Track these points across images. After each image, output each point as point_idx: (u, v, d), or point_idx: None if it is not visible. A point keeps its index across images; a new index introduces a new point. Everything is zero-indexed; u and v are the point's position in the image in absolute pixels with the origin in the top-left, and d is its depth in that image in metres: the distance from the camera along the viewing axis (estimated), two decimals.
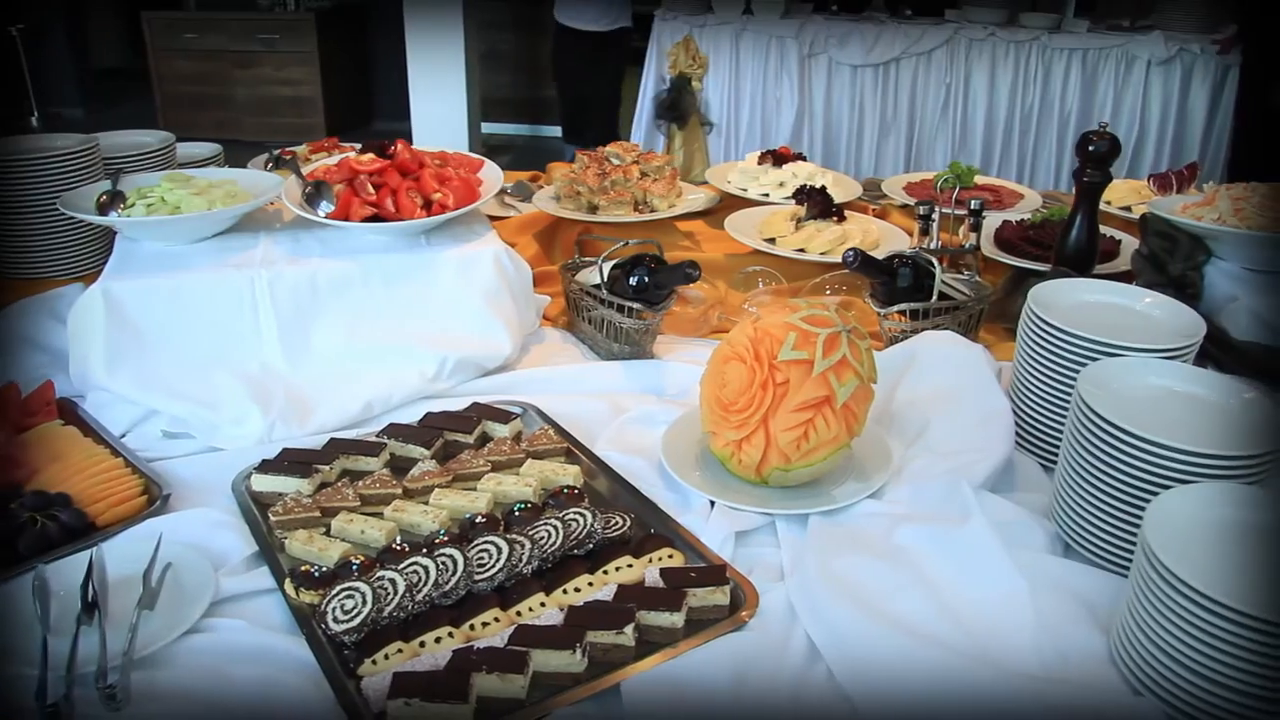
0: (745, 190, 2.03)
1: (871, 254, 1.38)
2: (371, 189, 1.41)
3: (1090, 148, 1.50)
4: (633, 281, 1.38)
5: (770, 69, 4.51)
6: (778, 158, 2.04)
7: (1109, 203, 2.04)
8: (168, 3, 6.16)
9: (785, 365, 1.05)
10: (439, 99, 5.17)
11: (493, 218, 1.95)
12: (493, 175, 1.53)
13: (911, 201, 2.00)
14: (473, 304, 1.37)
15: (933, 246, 1.65)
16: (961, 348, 1.25)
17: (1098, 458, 0.96)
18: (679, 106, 4.86)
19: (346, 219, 1.38)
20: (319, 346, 1.34)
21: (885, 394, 1.25)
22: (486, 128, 5.81)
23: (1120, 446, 0.94)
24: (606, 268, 1.42)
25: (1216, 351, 1.31)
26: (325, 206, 1.42)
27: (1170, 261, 1.39)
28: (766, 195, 1.99)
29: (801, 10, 4.67)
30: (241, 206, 1.42)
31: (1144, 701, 0.82)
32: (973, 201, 1.63)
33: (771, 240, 1.71)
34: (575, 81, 5.01)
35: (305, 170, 1.51)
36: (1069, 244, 1.57)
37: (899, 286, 1.36)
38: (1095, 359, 1.09)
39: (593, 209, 1.82)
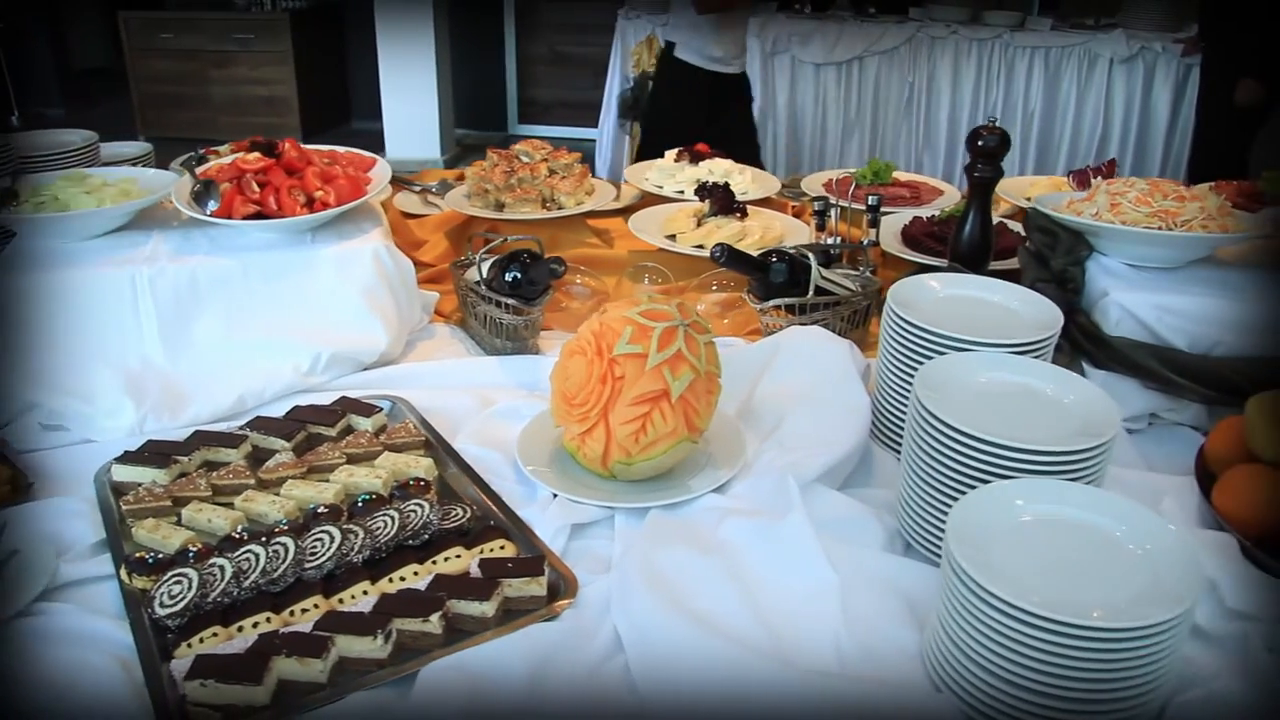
0: (661, 187, 2.04)
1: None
2: (256, 187, 1.43)
3: (979, 143, 1.52)
4: (508, 277, 1.40)
5: None
6: (694, 155, 2.06)
7: (1029, 199, 2.05)
8: (151, 2, 6.18)
9: (622, 359, 1.07)
10: (410, 101, 5.21)
11: (411, 215, 1.98)
12: (381, 174, 1.55)
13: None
14: (350, 300, 1.39)
15: (831, 241, 1.67)
16: (826, 343, 1.27)
17: (928, 453, 0.98)
18: (641, 104, 4.90)
19: (229, 216, 1.40)
20: (199, 342, 1.36)
21: (747, 388, 1.27)
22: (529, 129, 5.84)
23: (945, 441, 0.95)
24: (485, 264, 1.44)
25: (1090, 346, 1.32)
26: (211, 204, 1.44)
27: (1052, 257, 1.40)
28: (682, 192, 2.01)
29: (765, 8, 4.69)
30: (130, 205, 1.44)
31: (943, 699, 0.82)
32: (870, 198, 1.65)
33: (672, 237, 1.73)
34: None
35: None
36: (963, 240, 1.58)
37: (775, 282, 1.38)
38: (943, 353, 1.11)
39: (500, 206, 1.84)
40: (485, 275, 1.43)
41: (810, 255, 1.38)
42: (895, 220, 1.83)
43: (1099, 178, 2.10)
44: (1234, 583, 0.92)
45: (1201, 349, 1.29)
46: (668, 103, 3.19)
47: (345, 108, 6.34)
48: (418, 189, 2.12)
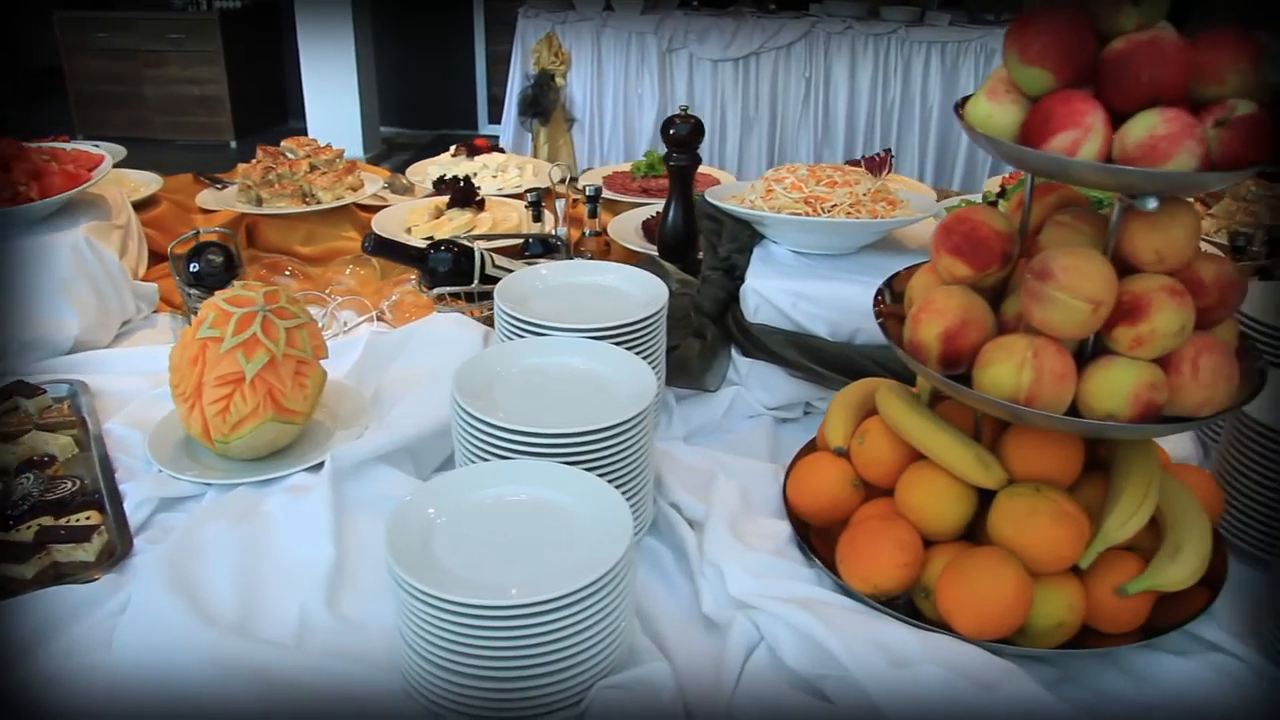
0: None
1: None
2: None
3: (671, 131, 1.59)
4: (192, 269, 1.48)
5: (631, 65, 4.59)
6: (472, 149, 2.13)
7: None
8: (97, 2, 6.27)
9: (204, 342, 1.14)
10: (332, 101, 5.30)
11: (209, 211, 2.05)
12: (103, 170, 1.63)
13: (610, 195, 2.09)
14: (45, 290, 1.47)
15: (554, 231, 1.73)
16: (458, 328, 1.33)
17: (463, 437, 1.03)
18: (541, 103, 4.95)
19: None
20: None
21: (377, 374, 1.34)
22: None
23: (470, 425, 1.00)
24: (180, 258, 1.51)
25: (738, 334, 1.37)
26: None
27: (720, 244, 1.45)
28: None
29: (665, 5, 4.75)
30: None
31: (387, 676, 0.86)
32: (588, 188, 1.72)
33: (409, 231, 1.80)
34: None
35: None
36: (666, 230, 1.65)
37: (439, 271, 1.45)
38: (528, 336, 1.17)
39: (259, 201, 1.92)
40: (176, 267, 1.51)
41: (477, 245, 1.45)
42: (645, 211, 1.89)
43: (881, 165, 2.17)
44: (739, 571, 0.94)
45: (843, 337, 1.31)
46: None
47: (282, 107, 6.43)
48: (220, 186, 2.19)
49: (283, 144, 1.99)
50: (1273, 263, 1.57)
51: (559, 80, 4.47)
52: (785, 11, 4.71)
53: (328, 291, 1.60)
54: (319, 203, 1.93)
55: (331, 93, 5.30)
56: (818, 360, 1.26)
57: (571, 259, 1.62)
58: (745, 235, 1.43)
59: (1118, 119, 0.79)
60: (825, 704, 0.82)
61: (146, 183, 2.07)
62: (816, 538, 1.02)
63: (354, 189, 1.98)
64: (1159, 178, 0.76)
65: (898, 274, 1.04)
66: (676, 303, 1.42)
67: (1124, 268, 0.86)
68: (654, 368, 1.20)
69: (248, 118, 6.07)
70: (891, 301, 1.04)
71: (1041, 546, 0.87)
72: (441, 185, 1.84)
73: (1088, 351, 0.87)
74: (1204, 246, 1.84)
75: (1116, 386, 0.82)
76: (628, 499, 0.99)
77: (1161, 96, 0.77)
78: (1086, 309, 0.80)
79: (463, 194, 1.80)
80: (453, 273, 1.45)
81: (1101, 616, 0.91)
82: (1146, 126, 0.76)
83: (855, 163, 2.20)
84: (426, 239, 1.77)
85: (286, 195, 1.90)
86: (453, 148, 2.18)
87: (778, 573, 0.94)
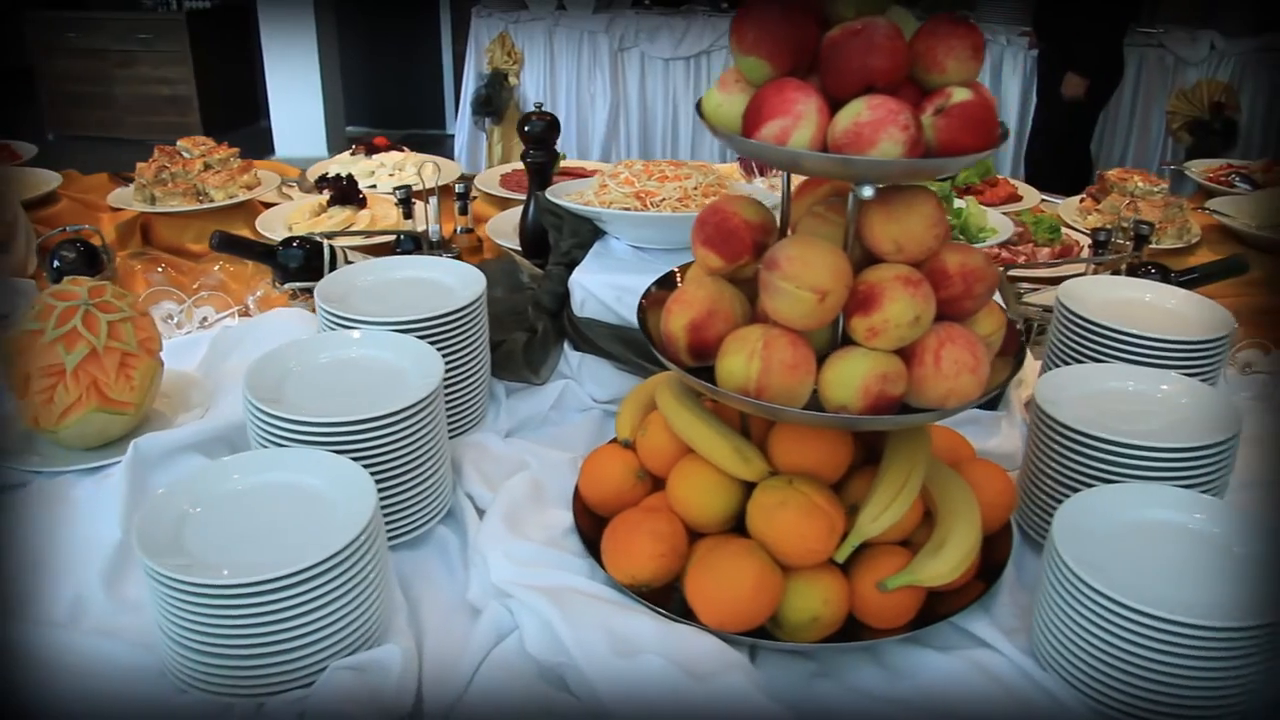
0: None
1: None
2: None
3: (526, 128, 1.59)
4: (53, 264, 1.49)
5: (584, 64, 4.60)
6: (370, 148, 2.14)
7: None
8: (68, 2, 6.29)
9: (30, 334, 1.16)
10: (295, 100, 5.33)
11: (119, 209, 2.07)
12: None
13: (503, 192, 2.10)
14: None
15: (425, 230, 1.74)
16: (296, 322, 1.35)
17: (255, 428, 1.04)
18: (494, 102, 4.96)
19: None
20: None
21: (220, 367, 1.35)
22: None
23: (255, 415, 1.02)
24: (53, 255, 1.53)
25: (569, 328, 1.38)
26: None
27: (561, 239, 1.45)
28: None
29: (618, 4, 4.76)
30: None
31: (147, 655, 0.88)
32: (458, 187, 1.72)
33: (290, 228, 1.81)
34: None
35: None
36: (527, 227, 1.66)
37: (290, 267, 1.46)
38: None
39: (153, 200, 1.93)
40: (42, 262, 1.52)
41: (326, 242, 1.46)
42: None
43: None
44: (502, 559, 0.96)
45: None
46: None
47: (253, 107, 6.44)
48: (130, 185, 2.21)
49: (179, 143, 2.00)
50: (1136, 258, 1.57)
51: (512, 79, 4.49)
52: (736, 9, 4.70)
53: (196, 287, 1.61)
54: (212, 201, 1.94)
55: (294, 92, 5.33)
56: (641, 354, 1.26)
57: (440, 255, 1.62)
58: (587, 231, 1.41)
59: (840, 107, 0.79)
60: (556, 691, 0.83)
61: (49, 181, 2.08)
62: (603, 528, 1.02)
63: (249, 187, 1.99)
64: (865, 165, 0.76)
65: (684, 266, 1.05)
66: (521, 297, 1.42)
67: (870, 259, 0.87)
68: (475, 360, 1.21)
69: (218, 118, 6.09)
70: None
71: (789, 539, 0.87)
72: (324, 183, 1.85)
73: (837, 343, 0.88)
74: (1081, 240, 1.86)
75: (848, 378, 0.82)
76: (414, 487, 1.01)
77: (878, 84, 0.77)
78: (812, 299, 0.81)
79: (343, 191, 1.81)
80: (304, 268, 1.46)
81: (868, 611, 0.91)
82: (852, 114, 0.76)
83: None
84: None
85: (179, 194, 1.92)
86: (353, 146, 2.19)
87: (544, 562, 0.95)
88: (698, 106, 0.88)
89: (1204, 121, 3.87)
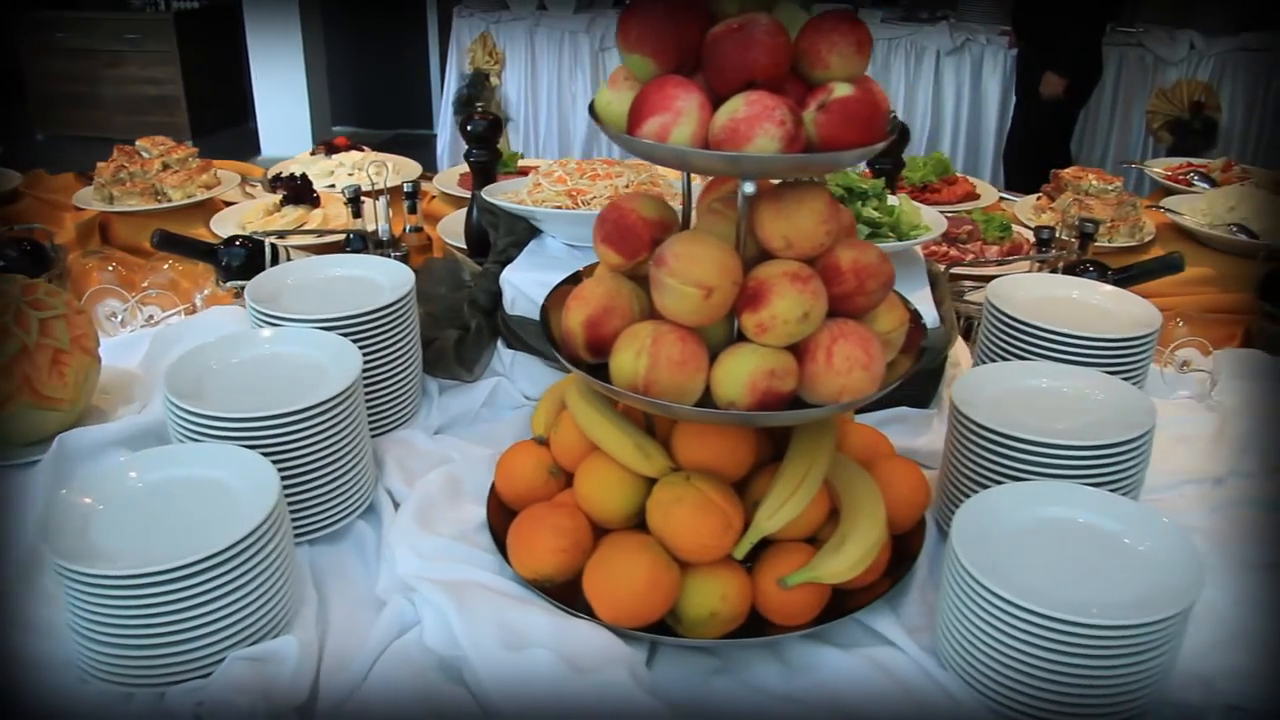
0: None
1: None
2: None
3: (469, 128, 1.60)
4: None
5: (565, 64, 4.61)
6: (330, 148, 2.16)
7: None
8: (56, 2, 6.31)
9: None
10: (281, 100, 5.34)
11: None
12: None
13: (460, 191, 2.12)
14: None
15: (374, 229, 1.75)
16: (230, 320, 1.36)
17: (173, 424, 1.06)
18: (476, 102, 4.99)
19: None
20: None
21: (156, 363, 1.36)
22: None
23: (172, 411, 1.03)
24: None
25: (502, 325, 1.38)
26: None
27: (497, 237, 1.46)
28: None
29: (599, 4, 4.76)
30: None
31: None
32: (406, 185, 1.73)
33: (243, 227, 1.82)
34: None
35: None
36: (472, 225, 1.67)
37: (233, 265, 1.47)
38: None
39: (111, 200, 1.94)
40: None
41: (270, 241, 1.47)
42: None
43: None
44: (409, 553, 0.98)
45: None
46: None
47: (242, 107, 6.46)
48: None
49: (138, 143, 2.02)
50: (1078, 256, 1.58)
51: (493, 79, 4.50)
52: None
53: (145, 285, 1.62)
54: (170, 200, 1.95)
55: (280, 93, 5.35)
56: None
57: (387, 254, 1.63)
58: (522, 229, 1.42)
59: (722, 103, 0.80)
60: (451, 684, 0.84)
61: (8, 180, 2.10)
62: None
63: (208, 187, 2.01)
64: (747, 161, 0.77)
65: (591, 265, 1.05)
66: (460, 295, 1.43)
67: (764, 255, 0.88)
68: (404, 357, 1.22)
69: (206, 118, 6.11)
70: None
71: (684, 535, 0.88)
72: (278, 182, 1.86)
73: (733, 340, 0.88)
74: (1029, 235, 1.86)
75: (736, 374, 0.83)
76: (329, 482, 1.02)
77: (759, 80, 0.78)
78: (697, 294, 0.82)
79: (296, 191, 1.82)
80: (246, 266, 1.47)
81: (771, 608, 0.91)
82: (730, 110, 0.77)
83: None
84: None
85: (137, 193, 1.93)
86: (313, 146, 2.20)
87: (450, 556, 0.96)
88: (591, 105, 0.89)
89: (1184, 121, 3.89)
